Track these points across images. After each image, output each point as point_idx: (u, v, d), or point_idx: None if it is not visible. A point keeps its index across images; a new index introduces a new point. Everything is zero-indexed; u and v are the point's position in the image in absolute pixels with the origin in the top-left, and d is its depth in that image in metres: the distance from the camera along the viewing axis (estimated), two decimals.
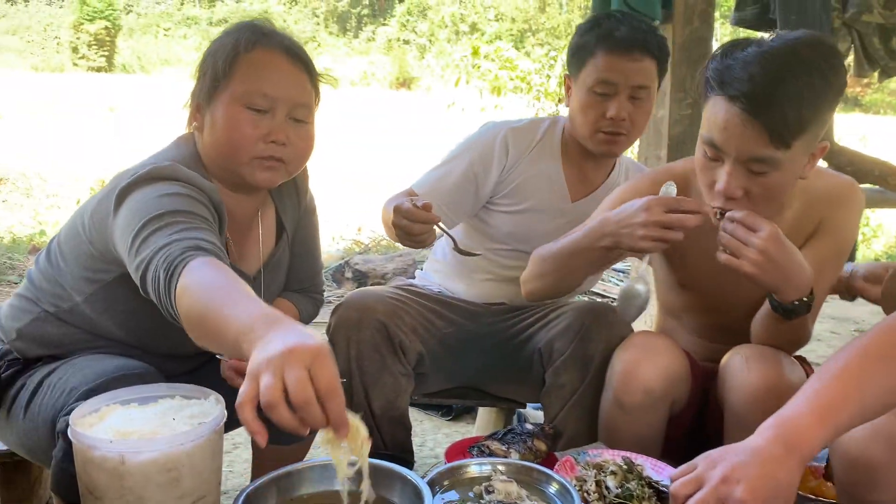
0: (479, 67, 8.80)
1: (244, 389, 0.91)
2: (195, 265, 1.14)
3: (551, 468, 1.38)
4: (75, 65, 20.39)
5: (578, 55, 1.96)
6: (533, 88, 8.40)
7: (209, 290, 1.09)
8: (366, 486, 1.10)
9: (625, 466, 1.43)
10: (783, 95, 1.35)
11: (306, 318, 1.80)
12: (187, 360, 1.60)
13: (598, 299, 4.45)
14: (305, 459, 1.80)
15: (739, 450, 1.09)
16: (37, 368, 1.50)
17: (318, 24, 28.94)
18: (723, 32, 10.68)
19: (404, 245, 1.73)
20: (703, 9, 2.97)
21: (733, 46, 1.44)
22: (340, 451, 1.03)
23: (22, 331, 1.54)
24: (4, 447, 1.74)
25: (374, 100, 18.00)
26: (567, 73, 2.04)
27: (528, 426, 1.54)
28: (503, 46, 8.73)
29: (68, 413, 1.27)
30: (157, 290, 1.17)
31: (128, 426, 1.12)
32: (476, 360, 2.01)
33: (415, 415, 2.89)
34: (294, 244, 1.77)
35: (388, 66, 24.21)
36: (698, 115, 2.98)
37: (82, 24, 20.59)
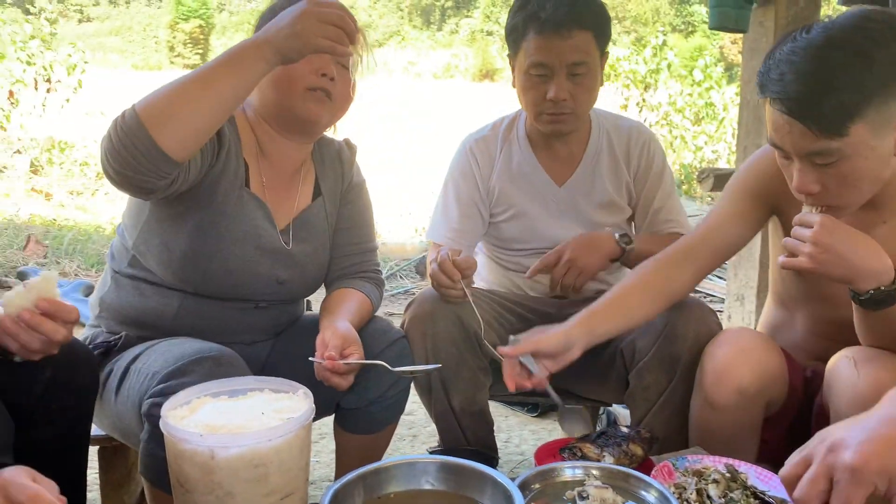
0: None
1: None
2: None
3: (648, 474, 1.31)
4: (172, 63, 21.22)
5: (512, 37, 1.90)
6: (621, 76, 8.19)
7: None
8: None
9: (728, 475, 1.35)
10: (816, 88, 1.30)
11: (377, 307, 1.78)
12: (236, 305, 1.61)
13: (704, 298, 4.28)
14: (390, 454, 1.79)
15: (851, 421, 1.03)
16: (122, 354, 1.54)
17: (403, 17, 29.18)
18: (834, 11, 10.16)
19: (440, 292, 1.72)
20: (780, 41, 2.78)
21: (779, 43, 1.40)
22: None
23: (104, 300, 1.63)
24: (102, 432, 1.80)
25: (457, 91, 17.99)
26: (507, 53, 1.97)
27: (623, 429, 1.47)
28: None
29: (152, 396, 1.32)
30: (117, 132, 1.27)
31: (217, 420, 1.12)
32: None
33: (500, 410, 2.85)
34: (340, 219, 1.77)
35: (471, 58, 24.17)
36: None
37: (178, 23, 21.42)
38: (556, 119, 1.87)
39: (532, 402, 2.82)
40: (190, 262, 1.51)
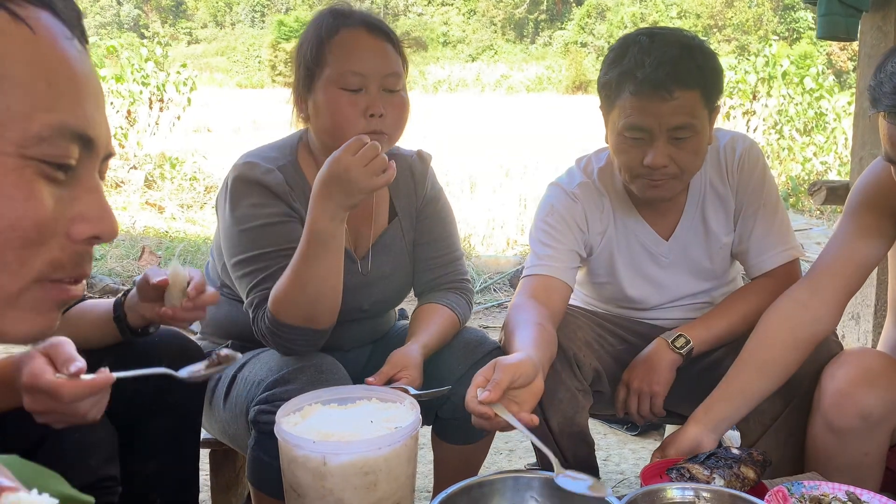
0: None
1: None
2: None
3: (761, 499, 1.26)
4: (273, 81, 22.09)
5: (605, 93, 1.68)
6: (726, 87, 7.96)
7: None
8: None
9: (848, 502, 1.28)
10: None
11: (464, 318, 1.74)
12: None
13: None
14: (487, 468, 1.79)
15: None
16: None
17: (496, 31, 29.32)
18: None
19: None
20: (889, 54, 2.64)
21: (886, 59, 1.35)
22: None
23: (206, 317, 1.69)
24: (213, 437, 1.87)
25: (551, 103, 17.89)
26: (600, 105, 1.74)
27: (735, 451, 1.42)
28: None
29: (258, 403, 1.39)
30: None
31: (329, 427, 1.15)
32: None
33: (599, 428, 2.80)
34: (419, 234, 1.76)
35: (564, 70, 24.01)
36: None
37: (279, 43, 22.32)
38: (655, 184, 1.66)
39: (632, 421, 2.75)
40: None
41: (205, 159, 8.04)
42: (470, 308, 1.80)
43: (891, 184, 1.53)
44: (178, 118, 8.28)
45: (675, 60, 1.56)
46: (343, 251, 1.46)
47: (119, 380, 1.39)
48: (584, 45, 25.51)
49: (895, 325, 1.72)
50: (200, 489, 2.24)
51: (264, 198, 1.53)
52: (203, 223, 6.71)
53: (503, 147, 10.82)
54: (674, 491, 1.28)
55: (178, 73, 8.29)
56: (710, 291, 1.87)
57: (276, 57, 22.74)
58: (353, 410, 1.23)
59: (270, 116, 14.67)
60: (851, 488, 1.34)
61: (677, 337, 1.71)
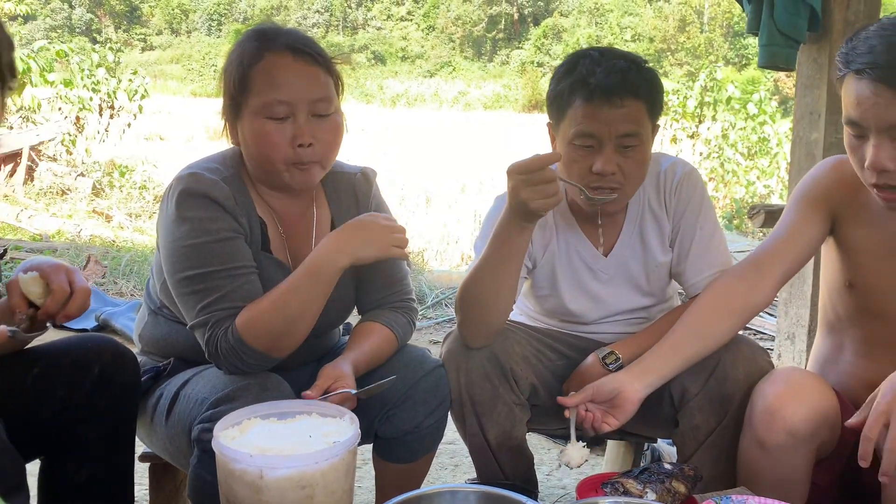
0: None
1: None
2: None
3: None
4: None
5: (556, 104, 1.72)
6: (671, 110, 8.16)
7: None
8: None
9: None
10: None
11: (403, 336, 1.73)
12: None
13: (754, 336, 4.21)
14: (432, 483, 1.80)
15: None
16: (171, 379, 1.59)
17: (455, 48, 29.55)
18: None
19: (533, 209, 1.53)
20: (866, 25, 2.76)
21: (856, 32, 1.46)
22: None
23: (142, 336, 1.70)
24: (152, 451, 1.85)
25: (507, 121, 18.09)
26: (549, 122, 1.80)
27: (667, 466, 1.46)
28: None
29: (202, 422, 1.37)
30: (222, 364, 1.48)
31: (267, 442, 1.16)
32: None
33: (542, 443, 2.83)
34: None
35: (521, 89, 24.32)
36: None
37: None
38: (601, 194, 1.69)
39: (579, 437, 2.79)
40: None
41: (155, 168, 7.93)
42: (412, 327, 1.78)
43: (829, 180, 1.65)
44: (129, 126, 8.15)
45: (624, 70, 1.65)
46: (326, 296, 1.49)
47: (48, 386, 1.39)
48: (540, 64, 25.90)
49: (824, 335, 1.78)
50: (140, 503, 2.21)
51: (212, 212, 1.48)
52: (152, 233, 6.60)
53: (460, 163, 10.90)
54: None
55: (130, 80, 8.17)
56: (649, 308, 1.91)
57: None
58: (292, 425, 1.23)
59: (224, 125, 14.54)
60: (776, 502, 1.39)
61: (608, 353, 1.76)
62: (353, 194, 1.72)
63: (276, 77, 1.47)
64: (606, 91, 1.63)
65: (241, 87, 1.49)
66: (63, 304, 1.32)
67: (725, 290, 1.67)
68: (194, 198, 1.48)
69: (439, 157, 11.27)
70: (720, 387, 1.64)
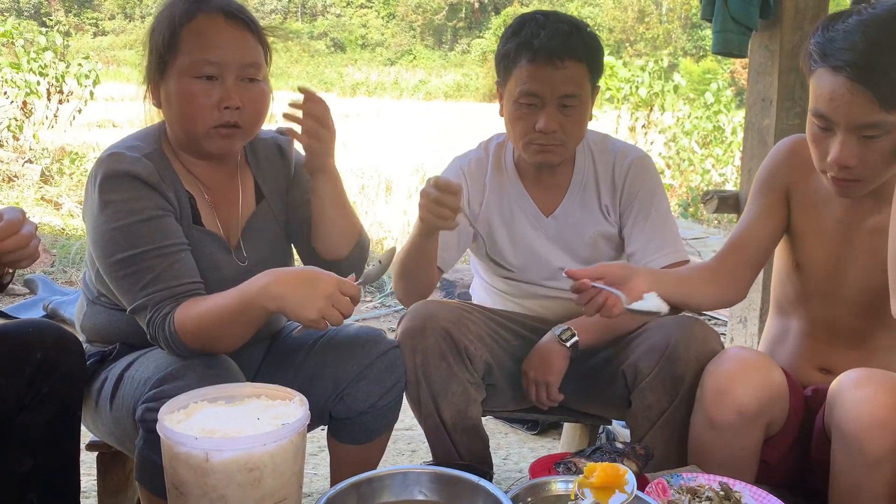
0: None
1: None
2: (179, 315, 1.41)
3: (642, 490, 1.31)
4: None
5: (503, 63, 1.83)
6: (624, 99, 8.25)
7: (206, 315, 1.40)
8: None
9: (721, 493, 1.35)
10: (887, 60, 1.35)
11: (364, 234, 1.75)
12: None
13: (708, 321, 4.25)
14: (382, 465, 1.79)
15: None
16: (116, 362, 1.56)
17: (415, 36, 29.42)
18: None
19: (431, 225, 1.69)
20: (815, 13, 2.81)
21: (834, 18, 1.43)
22: None
23: (82, 325, 1.66)
24: (98, 438, 1.81)
25: (467, 111, 18.10)
26: (497, 80, 1.90)
27: (619, 445, 1.47)
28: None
29: (146, 402, 1.34)
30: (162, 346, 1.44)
31: (213, 424, 1.13)
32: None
33: (500, 428, 2.84)
34: (296, 207, 1.72)
35: (481, 78, 24.32)
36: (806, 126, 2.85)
37: None
38: (544, 149, 1.80)
39: (532, 420, 2.81)
40: None
41: None
42: (367, 240, 1.77)
43: (780, 162, 1.69)
44: (80, 111, 7.92)
45: (566, 34, 1.74)
46: (257, 325, 1.45)
47: (9, 355, 1.35)
48: None
49: (774, 315, 1.82)
50: (88, 494, 2.16)
51: (136, 191, 1.44)
52: None
53: (420, 152, 10.86)
54: (558, 484, 1.32)
55: (80, 65, 7.93)
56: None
57: None
58: (240, 408, 1.21)
59: None
60: (725, 479, 1.41)
61: (564, 330, 1.81)
62: (278, 152, 1.73)
63: (207, 37, 1.45)
64: (549, 53, 1.72)
65: (170, 45, 1.46)
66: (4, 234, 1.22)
67: (715, 270, 1.73)
68: (117, 179, 1.45)
69: (400, 146, 11.22)
70: (672, 367, 1.66)
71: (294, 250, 1.78)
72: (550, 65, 1.73)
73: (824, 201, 1.64)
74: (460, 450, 1.77)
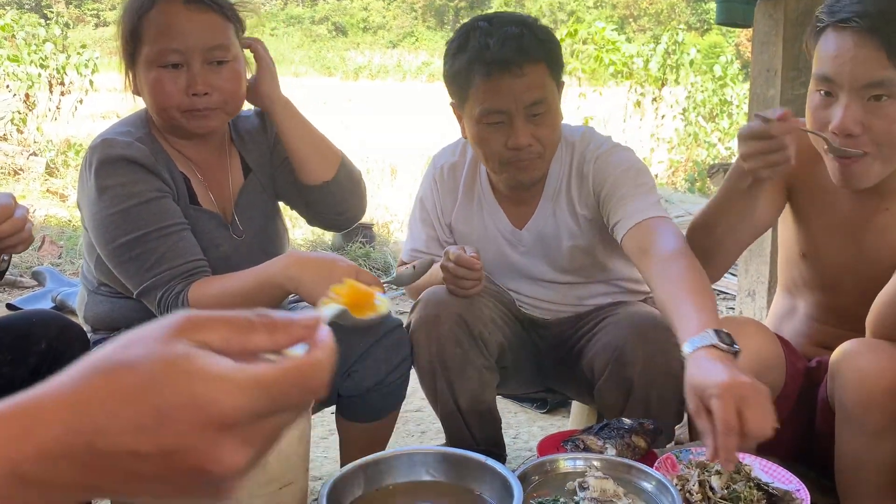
0: (578, 54, 8.59)
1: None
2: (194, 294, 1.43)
3: (650, 466, 1.30)
4: None
5: (455, 84, 1.68)
6: (636, 74, 8.16)
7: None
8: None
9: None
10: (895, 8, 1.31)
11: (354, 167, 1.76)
12: None
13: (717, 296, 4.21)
14: (391, 447, 1.79)
15: None
16: None
17: (416, 18, 29.23)
18: None
19: (451, 291, 1.68)
20: None
21: None
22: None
23: (86, 316, 1.67)
24: None
25: None
26: (452, 102, 1.75)
27: (627, 421, 1.47)
28: (603, 27, 8.45)
29: None
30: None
31: None
32: (547, 362, 1.93)
33: (509, 407, 2.84)
34: (276, 170, 1.73)
35: None
36: None
37: None
38: (522, 167, 1.67)
39: (541, 399, 2.80)
40: None
41: None
42: (359, 173, 1.79)
43: None
44: (81, 102, 7.89)
45: (517, 36, 1.59)
46: (281, 299, 1.48)
47: (13, 345, 1.35)
48: None
49: (781, 293, 1.80)
50: None
51: (133, 174, 1.46)
52: None
53: (425, 134, 10.83)
54: (566, 461, 1.32)
55: (79, 54, 7.90)
56: (572, 284, 1.88)
57: None
58: None
59: None
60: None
61: (720, 334, 1.27)
62: (262, 125, 1.73)
63: (168, 25, 1.46)
64: (504, 62, 1.58)
65: (133, 37, 1.48)
66: None
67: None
68: (112, 164, 1.46)
69: (404, 129, 11.19)
70: (622, 370, 1.63)
71: (295, 218, 1.81)
72: (509, 74, 1.58)
73: (832, 197, 1.60)
74: (475, 433, 1.77)
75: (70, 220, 5.95)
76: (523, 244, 1.85)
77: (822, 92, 1.41)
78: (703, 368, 1.19)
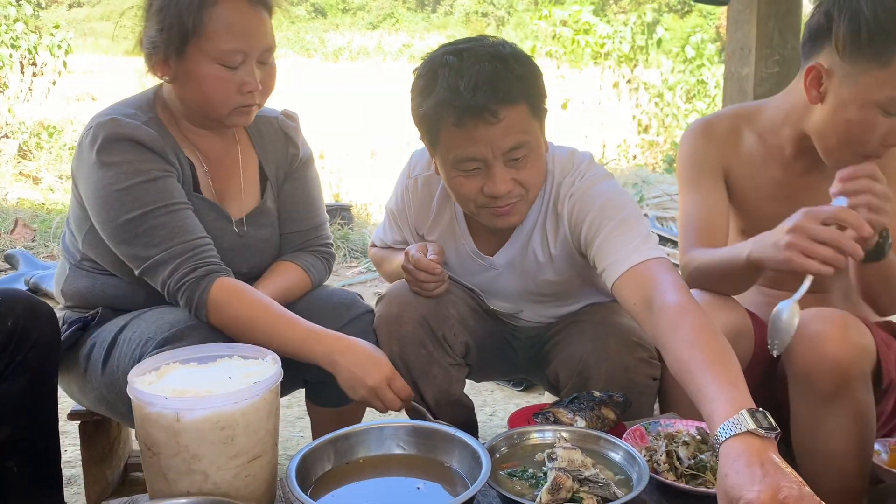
0: (557, 37, 8.57)
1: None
2: (217, 295, 1.44)
3: (620, 437, 1.32)
4: None
5: (424, 125, 1.51)
6: (609, 55, 8.17)
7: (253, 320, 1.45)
8: None
9: (698, 437, 1.36)
10: None
11: (318, 277, 1.76)
12: None
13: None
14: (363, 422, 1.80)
15: None
16: (103, 327, 1.55)
17: None
18: None
19: (414, 291, 1.65)
20: None
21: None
22: None
23: (63, 291, 1.65)
24: (84, 408, 1.80)
25: None
26: (420, 136, 1.58)
27: (597, 394, 1.48)
28: (580, 10, 8.44)
29: None
30: (182, 303, 1.46)
31: (185, 384, 1.13)
32: (521, 359, 1.90)
33: (486, 385, 2.85)
34: (284, 195, 1.74)
35: None
36: (786, 73, 2.83)
37: None
38: (502, 213, 1.52)
39: (518, 378, 2.82)
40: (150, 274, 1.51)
41: None
42: (327, 271, 1.81)
43: (710, 146, 1.69)
44: (54, 83, 7.76)
45: (491, 76, 1.39)
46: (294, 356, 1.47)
47: None
48: (484, 14, 25.57)
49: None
50: (73, 463, 2.16)
51: (140, 153, 1.46)
52: None
53: (405, 116, 10.77)
54: (535, 433, 1.33)
55: (52, 34, 7.76)
56: (547, 304, 1.81)
57: None
58: (212, 368, 1.20)
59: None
60: (702, 424, 1.42)
61: (757, 414, 1.07)
62: (283, 136, 1.73)
63: (234, 25, 1.45)
64: (478, 110, 1.39)
65: (194, 26, 1.44)
66: None
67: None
68: (119, 142, 1.45)
69: (384, 111, 11.12)
70: (584, 384, 1.61)
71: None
72: (483, 122, 1.39)
73: (761, 165, 1.67)
74: (445, 420, 1.76)
75: (44, 203, 5.87)
76: (495, 268, 1.74)
77: (890, 111, 1.41)
78: (740, 473, 1.00)
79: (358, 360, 1.44)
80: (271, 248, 1.73)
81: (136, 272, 1.47)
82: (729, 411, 1.06)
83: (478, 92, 1.38)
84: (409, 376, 1.65)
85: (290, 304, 1.61)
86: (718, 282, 1.60)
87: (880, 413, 1.58)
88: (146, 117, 1.52)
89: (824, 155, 1.54)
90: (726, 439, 1.04)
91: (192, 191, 1.56)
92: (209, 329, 1.44)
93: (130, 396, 1.11)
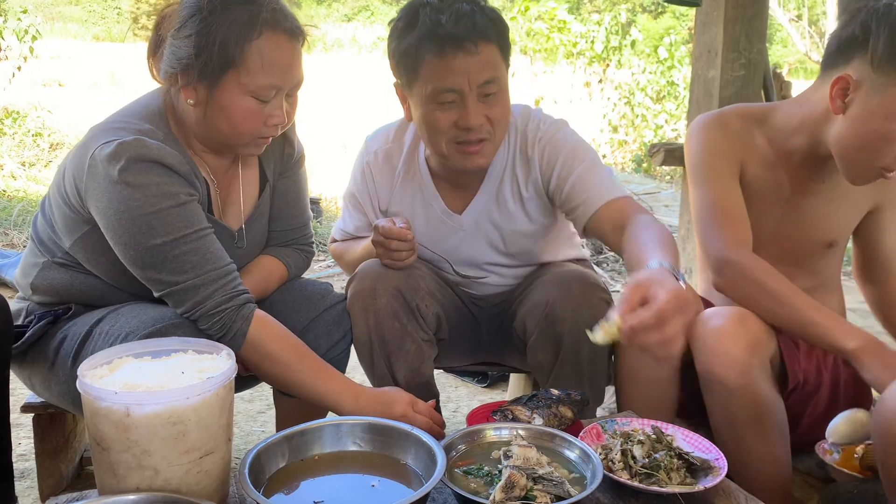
0: (532, 33, 8.58)
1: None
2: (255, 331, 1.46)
3: (576, 436, 1.32)
4: (136, 35, 20.72)
5: (404, 63, 1.61)
6: (580, 55, 8.21)
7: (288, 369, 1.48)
8: None
9: (653, 436, 1.37)
10: None
11: (296, 271, 1.79)
12: None
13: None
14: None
15: None
16: (75, 321, 1.52)
17: None
18: None
19: (386, 264, 1.70)
20: None
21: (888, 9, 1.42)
22: None
23: (34, 283, 1.60)
24: (38, 400, 1.77)
25: None
26: (396, 82, 1.69)
27: (555, 392, 1.49)
28: (555, 6, 8.47)
29: None
30: (214, 328, 1.44)
31: (137, 379, 1.10)
32: (484, 332, 1.95)
33: (450, 381, 2.86)
34: (277, 193, 1.75)
35: None
36: (751, 77, 2.87)
37: None
38: (473, 150, 1.63)
39: (481, 373, 2.83)
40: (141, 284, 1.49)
41: (50, 114, 7.46)
42: (306, 265, 1.83)
43: (731, 137, 1.68)
44: (19, 69, 7.59)
45: (470, 14, 1.55)
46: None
47: None
48: None
49: (705, 281, 1.85)
50: (27, 457, 2.13)
51: (167, 176, 1.41)
52: (47, 182, 6.25)
53: (378, 109, 10.73)
54: (492, 431, 1.33)
55: (19, 19, 7.59)
56: (515, 267, 1.89)
57: (138, 9, 21.25)
58: (165, 363, 1.18)
59: (131, 72, 13.80)
60: (658, 423, 1.44)
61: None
62: (280, 147, 1.72)
63: (275, 60, 1.42)
64: (459, 39, 1.53)
65: (233, 57, 1.39)
66: None
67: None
68: (145, 164, 1.39)
69: (357, 104, 11.07)
70: (552, 326, 1.66)
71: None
72: (463, 52, 1.53)
73: (769, 167, 1.68)
74: None
75: (5, 191, 5.75)
76: (463, 228, 1.82)
77: None
78: (656, 271, 1.24)
79: (379, 398, 1.49)
80: (262, 247, 1.76)
81: (157, 294, 1.44)
82: (661, 260, 1.28)
83: (459, 23, 1.53)
84: (382, 351, 1.70)
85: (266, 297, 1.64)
86: (775, 319, 1.55)
87: (801, 415, 1.62)
88: (162, 134, 1.47)
89: (842, 166, 1.55)
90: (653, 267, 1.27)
91: (206, 210, 1.54)
92: (193, 327, 1.42)
93: (79, 391, 1.09)
